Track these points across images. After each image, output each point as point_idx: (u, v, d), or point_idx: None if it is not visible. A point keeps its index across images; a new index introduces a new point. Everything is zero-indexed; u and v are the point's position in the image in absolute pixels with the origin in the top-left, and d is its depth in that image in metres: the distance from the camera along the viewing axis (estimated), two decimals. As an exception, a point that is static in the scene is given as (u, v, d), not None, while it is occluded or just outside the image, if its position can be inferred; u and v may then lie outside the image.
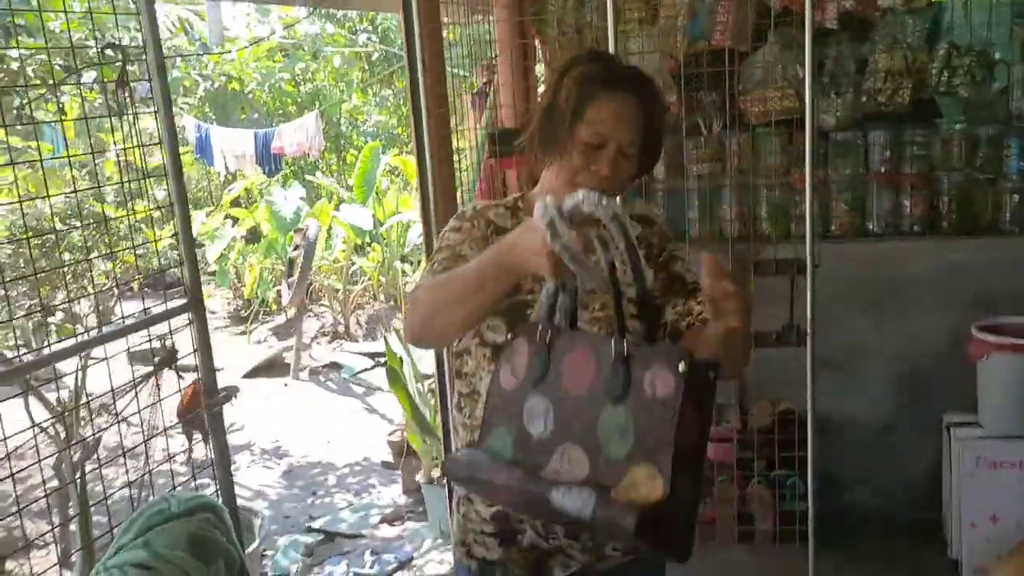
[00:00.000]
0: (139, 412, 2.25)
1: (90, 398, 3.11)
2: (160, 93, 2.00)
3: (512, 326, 1.45)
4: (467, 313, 1.43)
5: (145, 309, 2.16)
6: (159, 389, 2.32)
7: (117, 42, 2.21)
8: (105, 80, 2.59)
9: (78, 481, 2.30)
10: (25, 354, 3.80)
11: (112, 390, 2.10)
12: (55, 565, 3.24)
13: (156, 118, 2.02)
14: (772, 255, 3.29)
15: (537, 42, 3.88)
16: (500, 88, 3.80)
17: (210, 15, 12.26)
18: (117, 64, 2.11)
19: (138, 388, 2.40)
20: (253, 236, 9.10)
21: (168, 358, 2.12)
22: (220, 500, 2.21)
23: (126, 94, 2.01)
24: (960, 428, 3.37)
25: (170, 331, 2.14)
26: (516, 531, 1.60)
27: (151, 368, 2.23)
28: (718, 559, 3.45)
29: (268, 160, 8.29)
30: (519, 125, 3.65)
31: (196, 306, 2.09)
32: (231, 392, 2.89)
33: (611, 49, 3.05)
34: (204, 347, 2.12)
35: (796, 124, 3.39)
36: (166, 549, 1.62)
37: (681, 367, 1.19)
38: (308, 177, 9.88)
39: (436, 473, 3.90)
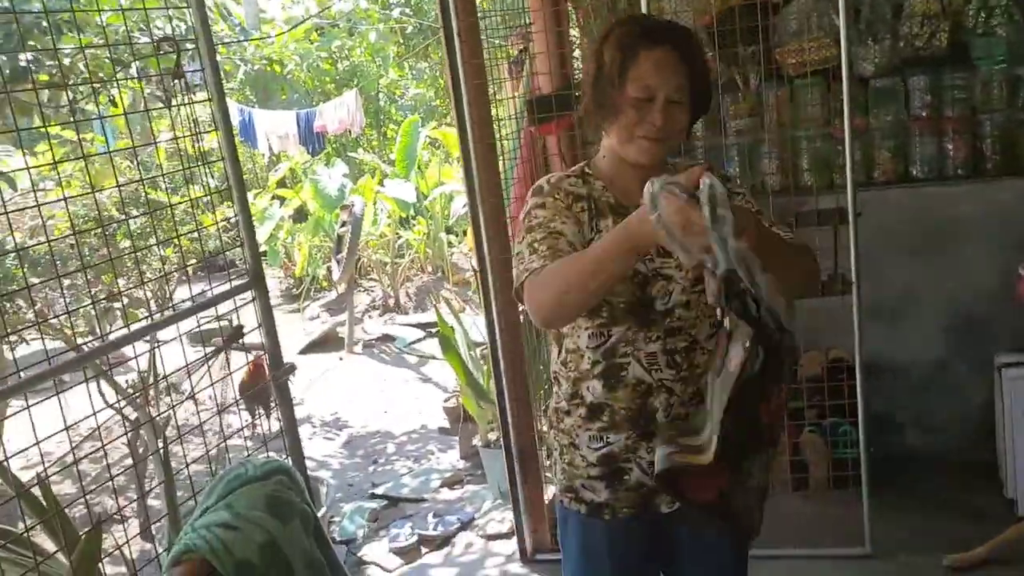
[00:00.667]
0: (211, 386, 2.37)
1: (161, 377, 3.25)
2: (213, 81, 2.10)
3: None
4: (598, 287, 1.50)
5: (203, 291, 2.27)
6: (229, 365, 2.44)
7: (169, 34, 2.29)
8: (157, 72, 2.70)
9: (161, 454, 2.43)
10: (92, 340, 3.98)
11: (186, 366, 2.22)
12: (136, 535, 3.42)
13: (211, 105, 2.11)
14: (814, 206, 3.31)
15: (571, 6, 3.91)
16: (536, 55, 3.84)
17: (246, -1, 12.40)
18: (170, 55, 2.20)
19: (209, 365, 2.53)
20: (300, 215, 9.26)
21: (235, 334, 2.22)
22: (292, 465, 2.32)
23: (182, 83, 2.11)
24: (1011, 368, 3.37)
25: (235, 308, 2.25)
26: (623, 470, 1.72)
27: (217, 346, 2.34)
28: (773, 508, 3.50)
29: (311, 139, 8.41)
30: (556, 90, 3.70)
31: (258, 284, 2.20)
32: (292, 366, 3.01)
33: (644, 9, 3.07)
34: (268, 323, 2.22)
35: (834, 73, 3.40)
36: (246, 510, 1.73)
37: (746, 343, 1.35)
38: (351, 154, 10.00)
39: (492, 436, 4.00)
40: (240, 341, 2.22)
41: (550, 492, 3.60)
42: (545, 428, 1.85)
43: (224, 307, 2.31)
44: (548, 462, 1.88)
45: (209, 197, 2.84)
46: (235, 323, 2.26)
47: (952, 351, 3.64)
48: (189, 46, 2.30)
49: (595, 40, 1.72)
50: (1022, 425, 3.29)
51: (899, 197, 3.59)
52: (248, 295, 2.23)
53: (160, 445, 2.49)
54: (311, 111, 8.55)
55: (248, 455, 2.06)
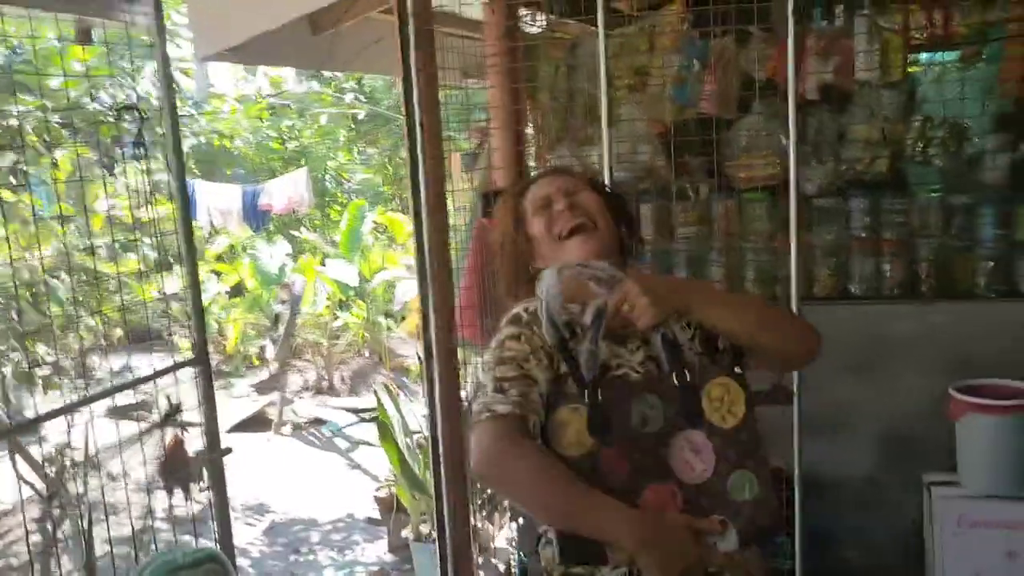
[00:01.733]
0: (143, 464, 2.27)
1: (91, 454, 3.11)
2: (173, 150, 2.08)
3: None
4: (546, 517, 1.52)
5: (126, 364, 2.20)
6: (163, 442, 2.35)
7: (128, 102, 2.28)
8: (107, 137, 2.67)
9: (84, 534, 2.31)
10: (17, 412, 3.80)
11: (119, 443, 2.13)
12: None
13: (169, 175, 2.09)
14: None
15: (528, 108, 4.00)
16: (493, 151, 3.91)
17: (196, 71, 12.44)
18: (122, 122, 2.18)
19: (142, 441, 2.44)
20: (236, 291, 9.13)
21: (173, 412, 2.15)
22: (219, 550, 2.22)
23: (140, 151, 2.08)
24: (940, 487, 3.43)
25: (176, 383, 2.17)
26: None
27: (153, 423, 2.26)
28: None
29: (255, 216, 8.36)
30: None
31: (203, 361, 2.14)
32: (228, 449, 2.92)
33: (603, 115, 3.15)
34: (209, 401, 2.16)
35: (780, 189, 3.52)
36: (176, 600, 1.64)
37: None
38: (293, 232, 9.97)
39: (424, 529, 3.90)
40: (176, 419, 2.14)
41: (481, 591, 3.51)
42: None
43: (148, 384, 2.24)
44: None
45: (146, 268, 2.79)
46: (174, 401, 2.18)
47: (884, 468, 3.70)
48: (148, 114, 2.29)
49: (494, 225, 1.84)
50: (949, 544, 3.33)
51: (839, 312, 3.68)
52: (191, 372, 2.16)
53: (83, 525, 2.36)
54: (258, 188, 8.53)
55: (167, 539, 1.97)
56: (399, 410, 4.29)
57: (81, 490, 3.08)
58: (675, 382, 1.56)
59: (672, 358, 1.58)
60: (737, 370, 1.62)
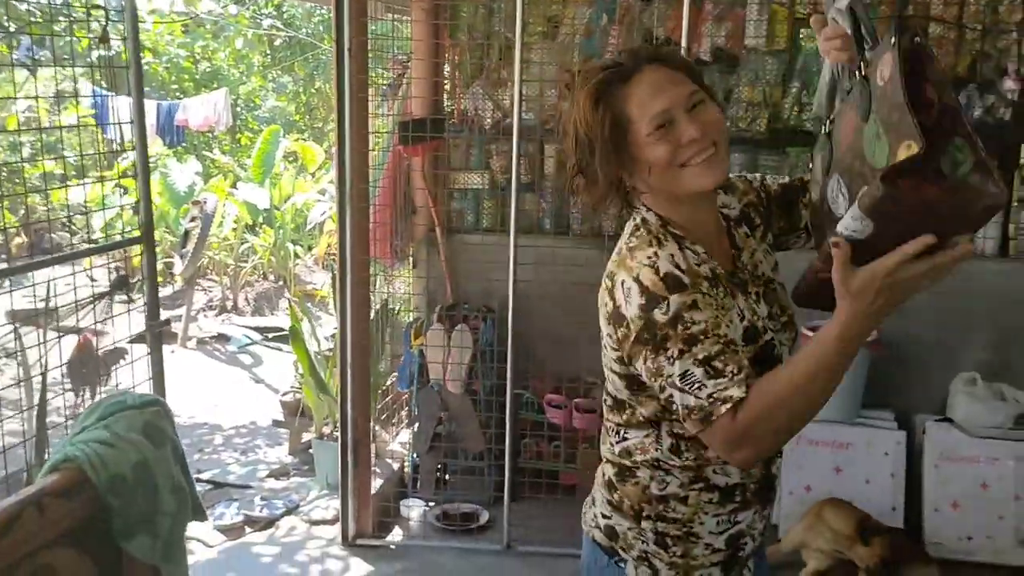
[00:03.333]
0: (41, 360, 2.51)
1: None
2: (132, 50, 2.30)
3: (761, 373, 1.34)
4: (824, 398, 1.28)
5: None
6: (111, 312, 2.57)
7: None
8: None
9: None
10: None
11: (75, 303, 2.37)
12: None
13: (128, 77, 2.31)
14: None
15: (448, 44, 4.27)
16: (412, 82, 4.18)
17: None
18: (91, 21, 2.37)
19: (95, 310, 2.66)
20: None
21: (121, 283, 2.39)
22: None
23: (106, 51, 2.29)
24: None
25: (125, 257, 2.42)
26: (740, 548, 1.57)
27: (102, 293, 2.50)
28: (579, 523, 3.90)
29: (171, 132, 8.36)
30: (428, 115, 4.05)
31: (149, 240, 2.39)
32: (120, 353, 3.14)
33: (516, 57, 3.46)
34: (151, 278, 2.41)
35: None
36: (124, 431, 1.93)
37: (891, 40, 1.17)
38: (206, 153, 9.97)
39: (327, 429, 4.23)
40: (126, 292, 2.39)
41: (376, 484, 3.87)
42: (616, 521, 1.58)
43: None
44: (625, 555, 1.58)
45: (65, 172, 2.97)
46: (123, 273, 2.43)
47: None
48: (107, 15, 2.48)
49: (569, 109, 1.46)
50: (788, 459, 3.84)
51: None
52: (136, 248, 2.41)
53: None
54: (174, 103, 8.51)
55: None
56: (310, 321, 4.57)
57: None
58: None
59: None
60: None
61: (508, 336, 3.63)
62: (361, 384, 3.60)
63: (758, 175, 1.66)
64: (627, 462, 1.55)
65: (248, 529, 3.85)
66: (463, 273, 4.22)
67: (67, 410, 4.39)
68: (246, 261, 8.73)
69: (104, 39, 2.28)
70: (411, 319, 4.24)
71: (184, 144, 9.36)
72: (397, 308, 4.42)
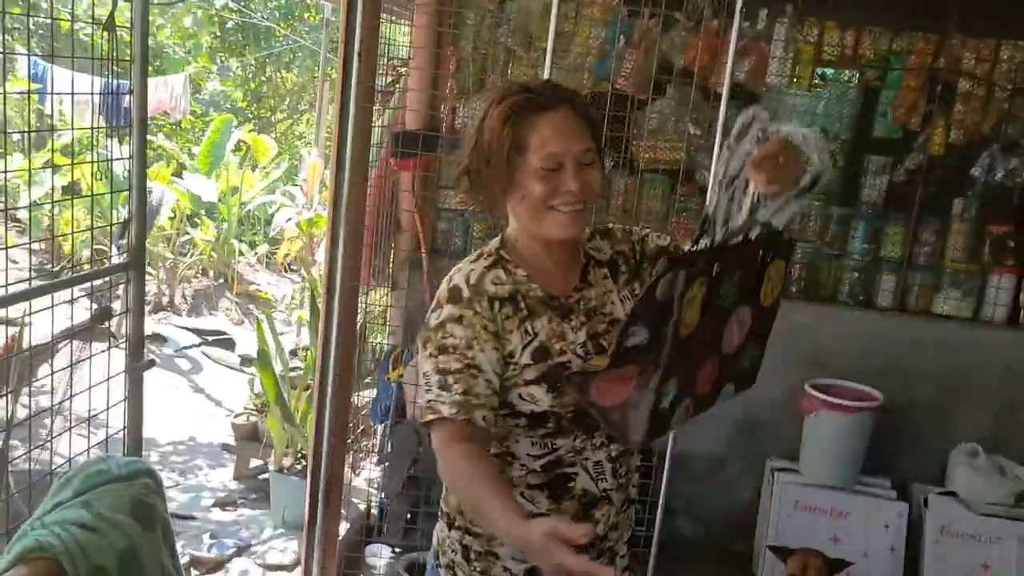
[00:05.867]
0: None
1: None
2: (140, 42, 1.94)
3: (553, 390, 1.50)
4: (468, 509, 1.53)
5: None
6: (91, 347, 2.19)
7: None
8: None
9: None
10: None
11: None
12: None
13: (131, 67, 1.95)
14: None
15: (451, 54, 3.96)
16: (407, 91, 3.85)
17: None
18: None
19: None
20: (71, 189, 8.52)
21: (102, 315, 2.02)
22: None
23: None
24: (783, 473, 3.73)
25: (111, 287, 2.05)
26: None
27: (81, 325, 2.12)
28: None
29: (118, 113, 7.80)
30: (423, 129, 3.72)
31: (137, 268, 2.02)
32: (152, 362, 2.78)
33: (546, 71, 3.18)
34: (138, 310, 2.05)
35: (679, 174, 3.68)
36: (109, 511, 1.58)
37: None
38: (149, 137, 9.36)
39: (287, 462, 3.86)
40: (107, 324, 2.02)
41: (342, 529, 3.51)
42: (439, 527, 1.68)
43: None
44: (439, 562, 1.67)
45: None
46: (106, 304, 2.06)
47: (732, 450, 3.96)
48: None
49: (480, 114, 1.55)
50: (784, 524, 3.63)
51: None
52: (123, 277, 2.04)
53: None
54: (123, 83, 7.94)
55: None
56: (276, 340, 4.18)
57: None
58: (760, 259, 1.49)
59: (765, 234, 1.46)
60: (790, 255, 1.57)
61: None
62: (340, 421, 3.25)
63: (643, 230, 1.73)
64: None
65: (194, 572, 3.47)
66: (447, 300, 3.90)
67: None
68: (185, 255, 8.22)
69: (110, 26, 1.91)
70: (387, 347, 3.90)
71: (128, 126, 8.78)
72: (373, 334, 4.07)
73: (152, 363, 2.17)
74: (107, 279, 2.07)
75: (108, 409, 2.18)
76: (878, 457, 3.72)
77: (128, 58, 2.03)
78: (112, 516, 1.57)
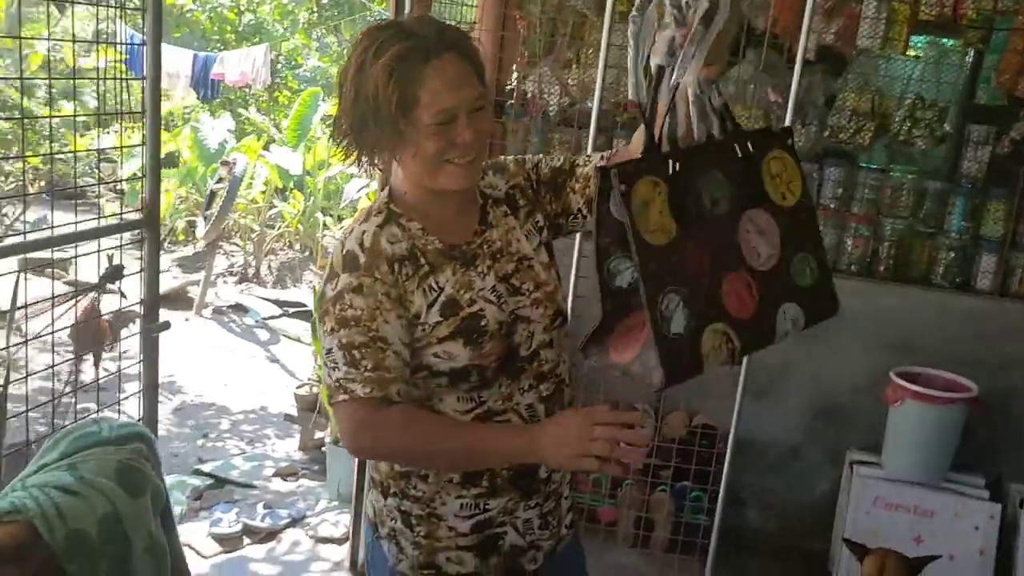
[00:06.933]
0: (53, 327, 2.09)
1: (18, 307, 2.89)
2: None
3: (470, 343, 1.44)
4: (446, 467, 1.46)
5: (43, 217, 2.00)
6: (99, 306, 2.16)
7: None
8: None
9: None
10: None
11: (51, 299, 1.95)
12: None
13: (144, 17, 1.87)
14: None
15: (517, 17, 3.80)
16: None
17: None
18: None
19: (77, 301, 2.25)
20: (169, 161, 8.73)
21: (113, 274, 1.97)
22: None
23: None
24: (863, 467, 3.47)
25: (120, 245, 2.00)
26: (498, 536, 1.55)
27: (90, 285, 2.08)
28: (614, 561, 3.47)
29: (205, 84, 7.94)
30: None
31: (151, 226, 1.95)
32: (167, 323, 2.75)
33: (603, 44, 2.99)
34: (152, 269, 1.98)
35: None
36: (93, 475, 1.51)
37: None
38: (240, 111, 9.52)
39: (344, 434, 3.80)
40: (116, 282, 1.97)
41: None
42: (374, 498, 1.60)
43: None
44: (379, 534, 1.59)
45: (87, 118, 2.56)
46: (117, 262, 2.01)
47: (809, 437, 3.72)
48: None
49: (355, 60, 1.40)
50: (863, 522, 3.38)
51: (794, 279, 3.64)
52: (137, 235, 1.98)
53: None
54: (211, 55, 8.08)
55: (98, 411, 1.82)
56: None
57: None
58: (738, 153, 1.35)
59: (723, 125, 1.35)
60: (790, 142, 1.44)
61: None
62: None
63: (534, 157, 1.63)
64: None
65: (247, 540, 3.44)
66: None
67: (67, 377, 4.01)
68: (273, 227, 8.31)
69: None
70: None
71: (219, 98, 8.93)
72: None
73: (166, 325, 2.10)
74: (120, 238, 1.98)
75: (120, 372, 2.09)
76: (970, 453, 3.42)
77: (140, 6, 1.93)
78: (96, 480, 1.50)
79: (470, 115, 1.39)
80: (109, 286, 2.03)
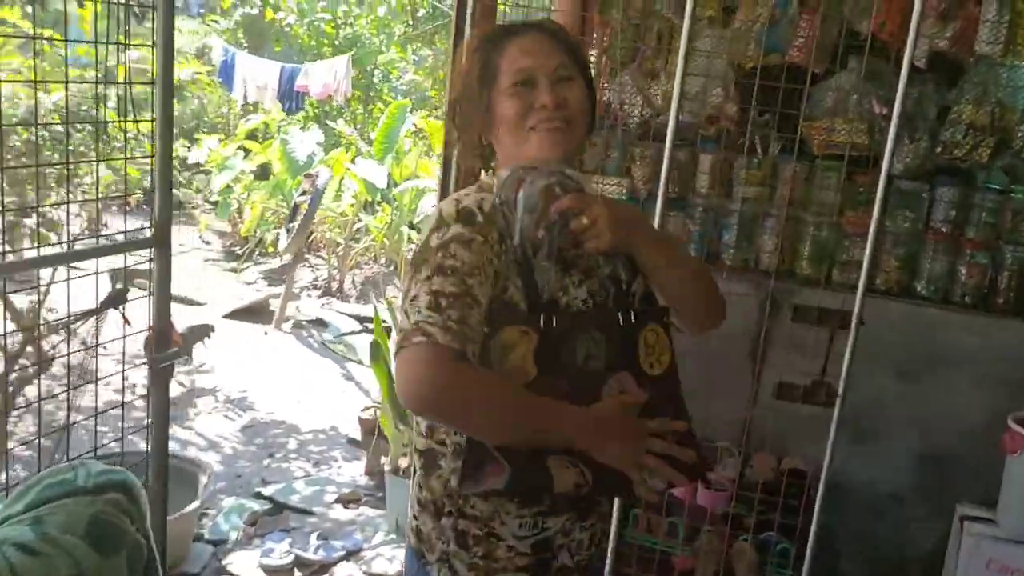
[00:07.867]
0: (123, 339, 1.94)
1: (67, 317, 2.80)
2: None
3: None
4: (495, 436, 1.34)
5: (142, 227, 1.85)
6: (126, 324, 2.00)
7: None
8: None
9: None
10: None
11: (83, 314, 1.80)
12: None
13: (153, 18, 1.71)
14: (815, 302, 2.99)
15: (596, 21, 3.56)
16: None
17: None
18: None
19: (99, 319, 2.11)
20: (262, 173, 8.78)
21: (116, 298, 1.82)
22: (150, 466, 1.92)
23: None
24: (975, 523, 3.09)
25: (150, 260, 1.84)
26: (553, 555, 1.50)
27: (92, 310, 1.93)
28: (689, 614, 3.18)
29: (290, 96, 7.95)
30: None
31: (161, 243, 1.79)
32: (206, 330, 2.61)
33: (682, 46, 2.73)
34: (163, 290, 1.81)
35: (860, 162, 3.13)
36: (58, 531, 1.33)
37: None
38: (329, 123, 9.53)
39: (404, 463, 3.61)
40: (119, 306, 1.81)
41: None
42: (421, 521, 1.51)
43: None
44: (430, 557, 1.49)
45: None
46: (121, 285, 1.85)
47: (914, 487, 3.35)
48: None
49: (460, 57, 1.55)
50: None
51: (898, 310, 3.28)
52: (146, 255, 1.82)
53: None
54: (296, 67, 8.09)
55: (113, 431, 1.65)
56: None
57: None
58: (619, 321, 1.44)
59: (617, 296, 1.48)
60: (666, 320, 1.53)
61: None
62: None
63: None
64: (433, 443, 1.48)
65: (298, 573, 3.28)
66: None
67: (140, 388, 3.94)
68: (358, 241, 8.25)
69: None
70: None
71: (304, 111, 8.96)
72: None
73: (178, 354, 1.93)
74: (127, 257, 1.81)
75: (123, 404, 1.92)
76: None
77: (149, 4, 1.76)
78: (60, 537, 1.32)
79: (552, 82, 1.43)
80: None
